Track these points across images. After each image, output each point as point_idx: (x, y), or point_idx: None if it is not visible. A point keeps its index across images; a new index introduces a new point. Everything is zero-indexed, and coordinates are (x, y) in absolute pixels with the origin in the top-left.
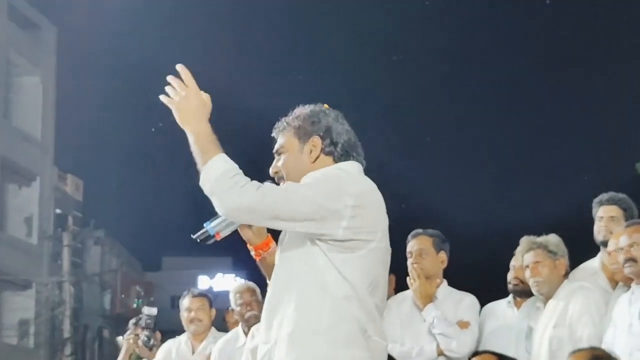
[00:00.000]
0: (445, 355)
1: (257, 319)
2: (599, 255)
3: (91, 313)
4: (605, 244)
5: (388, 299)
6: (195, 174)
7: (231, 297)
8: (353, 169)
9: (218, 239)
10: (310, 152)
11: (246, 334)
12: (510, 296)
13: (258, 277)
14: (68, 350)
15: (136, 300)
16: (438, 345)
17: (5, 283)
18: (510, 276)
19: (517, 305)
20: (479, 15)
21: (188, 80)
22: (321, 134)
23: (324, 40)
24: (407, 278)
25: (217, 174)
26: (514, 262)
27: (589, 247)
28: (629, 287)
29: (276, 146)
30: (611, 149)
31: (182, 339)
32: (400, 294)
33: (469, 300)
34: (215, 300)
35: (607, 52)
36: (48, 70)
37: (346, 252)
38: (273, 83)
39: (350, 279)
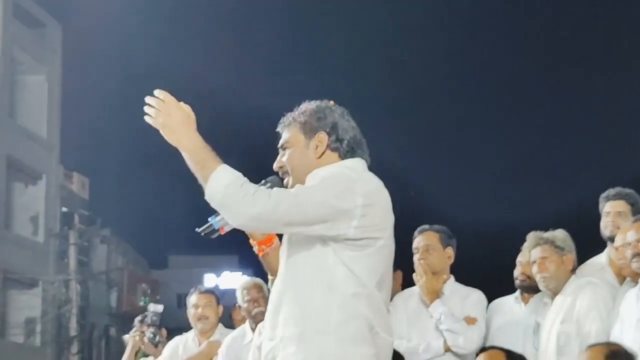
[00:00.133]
0: (452, 352)
1: (264, 316)
2: (606, 250)
3: (98, 311)
4: (612, 239)
5: (395, 295)
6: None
7: (238, 293)
8: (359, 166)
9: (222, 233)
10: (316, 147)
11: (253, 330)
12: (518, 292)
13: (264, 274)
14: (75, 348)
15: (142, 298)
16: (445, 342)
17: (11, 281)
18: (517, 272)
19: (525, 301)
20: (479, 15)
21: (165, 97)
22: (327, 130)
23: (326, 39)
24: (414, 274)
25: (223, 187)
26: (520, 258)
27: (596, 242)
28: (637, 282)
29: (281, 141)
30: (616, 145)
31: (190, 335)
32: (407, 290)
33: (476, 296)
34: (221, 298)
35: (608, 52)
36: (53, 69)
37: (356, 250)
38: (274, 82)
39: (360, 275)
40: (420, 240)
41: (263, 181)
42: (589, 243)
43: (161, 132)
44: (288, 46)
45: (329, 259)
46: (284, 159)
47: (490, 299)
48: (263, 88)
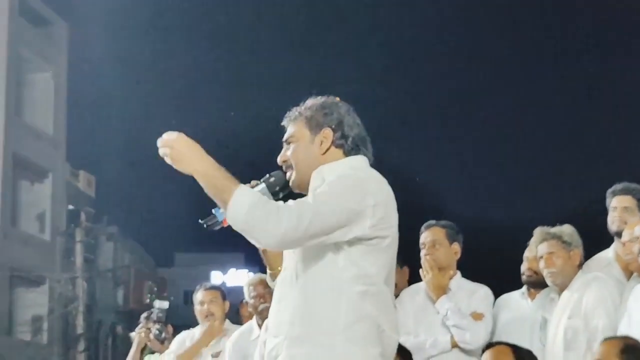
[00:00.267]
0: (459, 347)
1: None
2: (613, 245)
3: (104, 309)
4: (619, 234)
5: (402, 291)
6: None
7: (245, 290)
8: (363, 164)
9: (225, 225)
10: (321, 143)
11: (260, 326)
12: (524, 287)
13: None
14: (81, 346)
15: (149, 296)
16: (452, 337)
17: (18, 279)
18: (524, 267)
19: (531, 296)
20: (485, 14)
21: (166, 134)
22: (333, 126)
23: (331, 35)
24: (420, 270)
25: (246, 209)
26: (527, 253)
27: (603, 238)
28: None
29: (286, 135)
30: (623, 140)
31: (197, 331)
32: (414, 286)
33: (483, 291)
34: (228, 295)
35: (620, 47)
36: (60, 66)
37: (367, 248)
38: (277, 81)
39: (370, 273)
40: (426, 236)
41: (267, 175)
42: (596, 238)
43: (174, 166)
44: (293, 40)
45: (339, 259)
46: (288, 153)
47: (497, 294)
48: (265, 86)
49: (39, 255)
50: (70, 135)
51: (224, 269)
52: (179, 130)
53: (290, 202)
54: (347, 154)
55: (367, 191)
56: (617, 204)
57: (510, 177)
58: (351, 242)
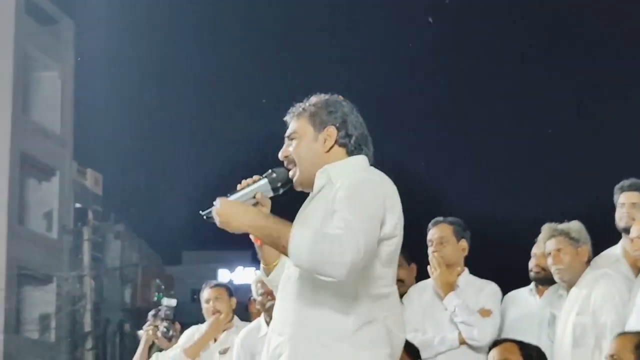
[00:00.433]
0: (467, 344)
1: None
2: (621, 242)
3: (112, 307)
4: (627, 230)
5: (410, 287)
6: (214, 165)
7: (252, 287)
8: (365, 164)
9: None
10: (325, 141)
11: (268, 323)
12: (532, 284)
13: None
14: (89, 344)
15: (157, 294)
16: (460, 334)
17: (26, 278)
18: (532, 264)
19: (539, 293)
20: (489, 12)
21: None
22: (337, 124)
23: (337, 35)
24: (428, 267)
25: (307, 251)
26: (535, 250)
27: (611, 234)
28: None
29: (289, 130)
30: (631, 137)
31: (205, 327)
32: (422, 283)
33: (491, 288)
34: (235, 294)
35: (629, 44)
36: (66, 65)
37: (383, 249)
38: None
39: (384, 274)
40: (434, 233)
41: (270, 171)
42: (604, 234)
43: (226, 229)
44: (295, 41)
45: None
46: (291, 149)
47: (504, 291)
48: (264, 88)
49: (47, 253)
50: (77, 133)
51: (231, 266)
52: (179, 130)
53: (336, 224)
54: (350, 153)
55: (385, 194)
56: (625, 200)
57: (519, 173)
58: None
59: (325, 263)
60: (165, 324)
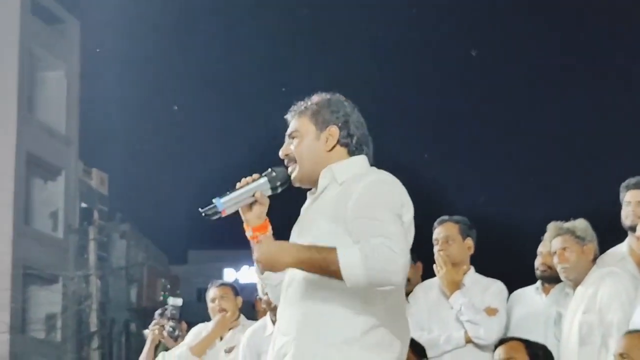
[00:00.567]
0: (473, 343)
1: None
2: (627, 240)
3: (118, 307)
4: (633, 229)
5: (415, 286)
6: (220, 164)
7: (258, 286)
8: (366, 163)
9: (223, 215)
10: (327, 140)
11: (274, 322)
12: (539, 282)
13: None
14: (95, 343)
15: (162, 293)
16: (466, 333)
17: (31, 277)
18: (538, 262)
19: (545, 291)
20: (494, 7)
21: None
22: (340, 124)
23: (339, 32)
24: (434, 265)
25: (362, 269)
26: (541, 248)
27: (617, 232)
28: None
29: (291, 129)
30: (636, 134)
31: (211, 325)
32: (427, 282)
33: (497, 286)
34: (241, 293)
35: (635, 41)
36: (72, 65)
37: None
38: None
39: None
40: (439, 232)
41: (269, 170)
42: (610, 233)
43: (273, 271)
44: (296, 36)
45: None
46: (292, 147)
47: (510, 289)
48: (264, 90)
49: (53, 253)
50: (82, 133)
51: (236, 266)
52: (185, 129)
53: (372, 232)
54: (351, 153)
55: (400, 192)
56: (631, 199)
57: (524, 171)
58: None
59: (383, 275)
60: (171, 323)
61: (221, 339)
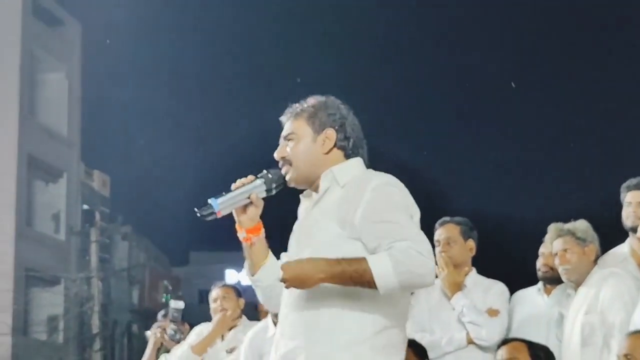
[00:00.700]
0: (474, 344)
1: None
2: (628, 241)
3: (120, 308)
4: (634, 229)
5: None
6: (222, 166)
7: None
8: (362, 165)
9: (219, 216)
10: (324, 143)
11: (275, 324)
12: (540, 283)
13: None
14: (97, 345)
15: (164, 295)
16: (467, 334)
17: (33, 279)
18: (539, 263)
19: (547, 292)
20: (501, 5)
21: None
22: (336, 127)
23: (339, 34)
24: (435, 267)
25: (394, 276)
26: (543, 249)
27: (618, 233)
28: None
29: (286, 131)
30: (638, 136)
31: (213, 324)
32: None
33: (498, 288)
34: (243, 294)
35: (633, 43)
36: (73, 66)
37: None
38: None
39: None
40: (441, 233)
41: (265, 171)
42: (611, 234)
43: (303, 288)
44: (291, 47)
45: None
46: (288, 149)
47: (512, 290)
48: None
49: (54, 255)
50: (84, 135)
51: (238, 267)
52: (186, 131)
53: (395, 236)
54: (348, 156)
55: (407, 195)
56: (631, 199)
57: (526, 172)
58: None
59: (415, 278)
60: (172, 326)
61: (222, 339)
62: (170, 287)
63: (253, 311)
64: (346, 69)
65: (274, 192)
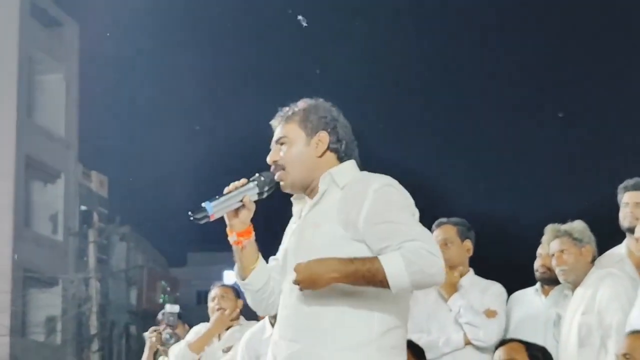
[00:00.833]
0: (472, 345)
1: None
2: (625, 241)
3: (117, 309)
4: (631, 230)
5: None
6: (220, 167)
7: None
8: (355, 167)
9: (212, 219)
10: (317, 146)
11: (273, 325)
12: (538, 284)
13: None
14: (95, 346)
15: (162, 296)
16: (465, 335)
17: (31, 280)
18: (537, 264)
19: (545, 293)
20: (495, 6)
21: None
22: (329, 129)
23: (336, 35)
24: None
25: (406, 276)
26: (541, 250)
27: (616, 233)
28: None
29: (278, 135)
30: (635, 135)
31: (210, 322)
32: None
33: (496, 288)
34: (241, 295)
35: (630, 43)
36: (71, 68)
37: None
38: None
39: None
40: (438, 234)
41: (257, 174)
42: (608, 234)
43: (316, 288)
44: (298, 45)
45: None
46: (281, 154)
47: (510, 291)
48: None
49: (52, 256)
50: (82, 136)
51: None
52: (185, 132)
53: (403, 237)
54: (341, 159)
55: (408, 196)
56: (628, 200)
57: (523, 172)
58: None
59: (426, 277)
60: (168, 330)
61: (219, 338)
62: (168, 288)
63: (252, 312)
64: (340, 67)
65: (265, 195)
